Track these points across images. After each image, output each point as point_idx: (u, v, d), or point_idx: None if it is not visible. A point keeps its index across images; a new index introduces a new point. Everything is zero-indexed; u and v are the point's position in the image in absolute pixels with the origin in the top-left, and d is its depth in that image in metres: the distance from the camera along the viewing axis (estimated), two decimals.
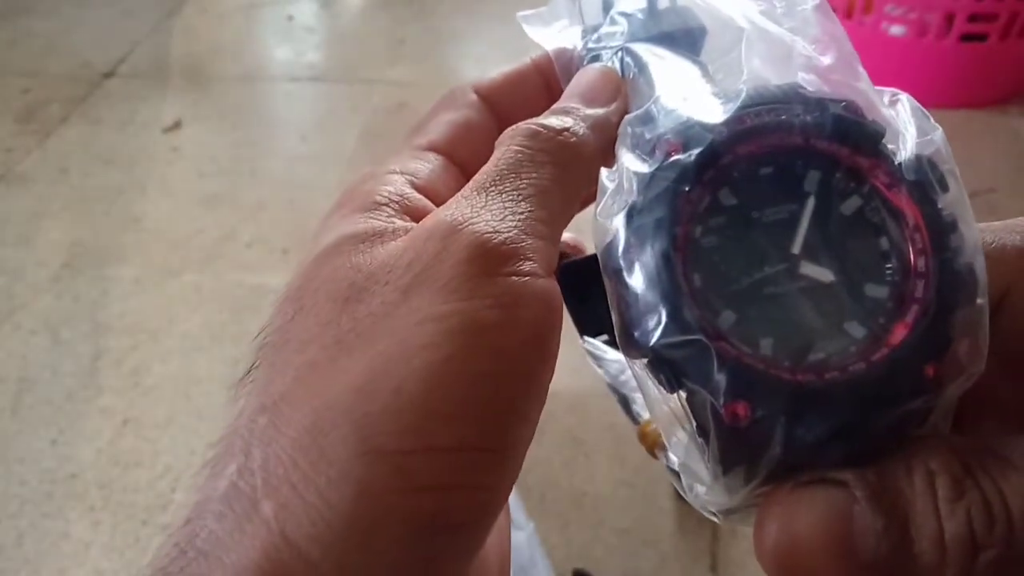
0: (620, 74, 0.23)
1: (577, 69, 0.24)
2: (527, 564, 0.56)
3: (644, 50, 0.22)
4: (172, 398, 0.83)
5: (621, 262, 0.18)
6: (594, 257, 0.19)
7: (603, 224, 0.19)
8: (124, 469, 0.76)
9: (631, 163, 0.19)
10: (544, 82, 0.25)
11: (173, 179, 1.15)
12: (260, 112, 1.32)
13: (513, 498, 0.60)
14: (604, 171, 0.20)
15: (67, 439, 0.79)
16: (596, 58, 0.23)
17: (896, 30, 1.15)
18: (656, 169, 0.18)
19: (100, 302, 0.94)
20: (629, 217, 0.18)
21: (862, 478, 0.16)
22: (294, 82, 1.37)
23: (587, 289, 0.20)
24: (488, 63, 1.39)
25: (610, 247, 0.18)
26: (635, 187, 0.18)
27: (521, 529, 0.57)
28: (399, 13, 1.58)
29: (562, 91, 0.23)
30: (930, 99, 1.21)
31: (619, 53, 0.23)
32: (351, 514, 0.15)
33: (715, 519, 0.19)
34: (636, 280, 0.17)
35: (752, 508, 0.17)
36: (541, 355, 0.17)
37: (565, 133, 0.20)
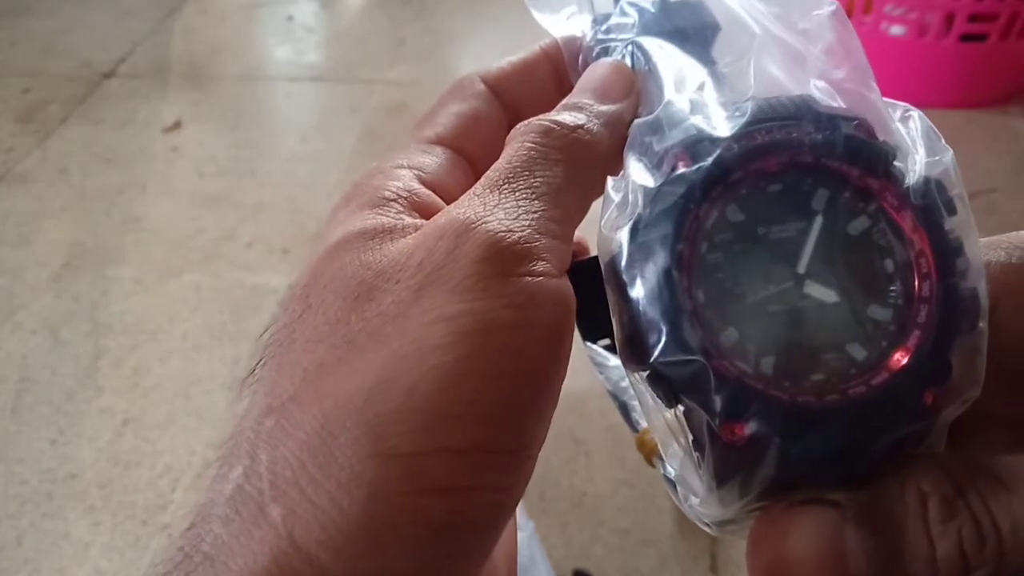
0: (632, 69, 0.22)
1: (586, 59, 0.23)
2: (527, 564, 0.56)
3: (655, 46, 0.22)
4: (172, 398, 0.83)
5: (624, 276, 0.18)
6: (597, 259, 0.19)
7: (607, 236, 0.18)
8: (124, 469, 0.76)
9: (638, 175, 0.18)
10: (553, 71, 0.24)
11: (173, 179, 1.15)
12: (260, 112, 1.32)
13: None
14: (610, 180, 0.19)
15: (67, 439, 0.79)
16: (606, 50, 0.23)
17: (896, 30, 1.15)
18: (662, 184, 0.18)
19: (100, 302, 0.94)
20: (634, 232, 0.18)
21: (854, 498, 0.16)
22: (294, 82, 1.37)
23: (590, 293, 0.20)
24: (488, 63, 1.39)
25: (614, 260, 0.18)
26: (640, 201, 0.18)
27: (521, 529, 0.57)
28: (399, 13, 1.57)
29: (571, 80, 0.23)
30: (930, 99, 1.22)
31: (629, 47, 0.22)
32: (363, 517, 0.15)
33: (709, 530, 0.19)
34: (638, 295, 0.17)
35: (746, 521, 0.18)
36: (555, 355, 0.17)
37: (579, 131, 0.20)
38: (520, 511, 0.61)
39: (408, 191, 0.20)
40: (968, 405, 0.17)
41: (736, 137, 0.18)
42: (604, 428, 0.77)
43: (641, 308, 0.17)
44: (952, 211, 0.18)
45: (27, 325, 0.92)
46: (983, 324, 0.17)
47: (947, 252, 0.17)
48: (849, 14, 1.18)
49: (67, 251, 1.02)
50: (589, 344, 0.31)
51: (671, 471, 0.19)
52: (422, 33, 1.50)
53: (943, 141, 0.18)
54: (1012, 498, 0.15)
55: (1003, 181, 1.05)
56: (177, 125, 1.26)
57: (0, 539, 0.71)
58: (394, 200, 0.20)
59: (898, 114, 0.19)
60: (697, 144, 0.18)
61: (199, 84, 1.38)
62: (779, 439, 0.16)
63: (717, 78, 0.20)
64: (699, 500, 0.18)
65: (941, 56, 1.14)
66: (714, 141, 0.18)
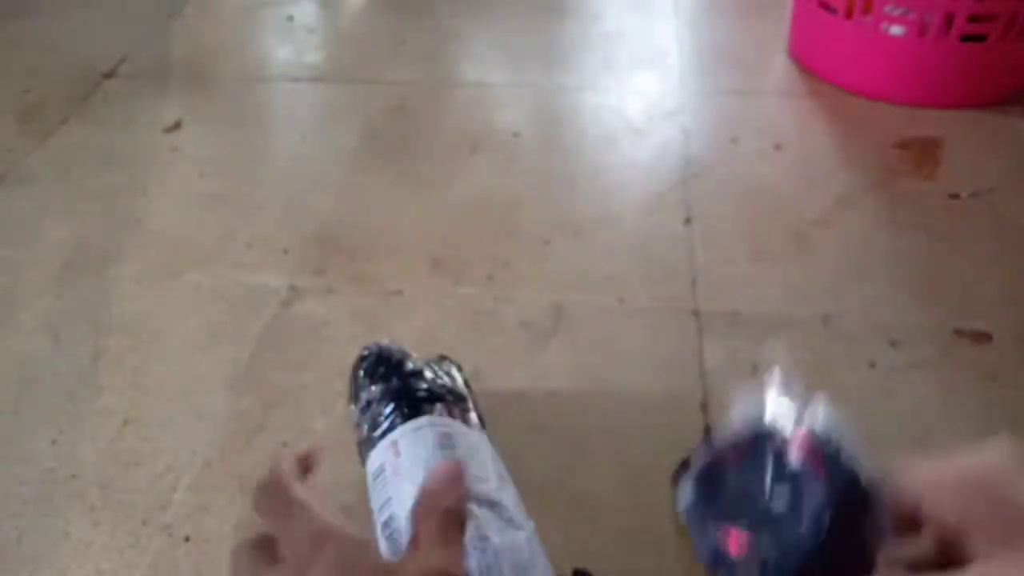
0: None
1: None
2: (527, 564, 0.56)
3: None
4: (172, 398, 0.83)
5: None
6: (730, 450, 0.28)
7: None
8: (124, 469, 0.76)
9: None
10: None
11: (173, 179, 1.15)
12: (260, 112, 1.32)
13: (513, 498, 0.60)
14: None
15: (67, 439, 0.79)
16: None
17: (896, 30, 1.15)
18: None
19: (100, 302, 0.94)
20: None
21: None
22: (294, 82, 1.37)
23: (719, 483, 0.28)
24: (488, 63, 1.39)
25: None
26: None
27: (521, 529, 0.57)
28: (399, 14, 1.58)
29: None
30: (930, 99, 1.21)
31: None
32: None
33: None
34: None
35: None
36: None
37: None
38: (520, 511, 0.61)
39: None
40: None
41: None
42: (604, 428, 0.77)
43: None
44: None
45: (27, 325, 0.92)
46: None
47: None
48: (849, 14, 1.19)
49: (67, 251, 1.02)
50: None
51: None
52: (423, 33, 1.50)
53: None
54: None
55: (1003, 181, 1.05)
56: (177, 125, 1.26)
57: (0, 539, 0.71)
58: None
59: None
60: None
61: (199, 84, 1.38)
62: None
63: None
64: None
65: (941, 56, 1.14)
66: None
